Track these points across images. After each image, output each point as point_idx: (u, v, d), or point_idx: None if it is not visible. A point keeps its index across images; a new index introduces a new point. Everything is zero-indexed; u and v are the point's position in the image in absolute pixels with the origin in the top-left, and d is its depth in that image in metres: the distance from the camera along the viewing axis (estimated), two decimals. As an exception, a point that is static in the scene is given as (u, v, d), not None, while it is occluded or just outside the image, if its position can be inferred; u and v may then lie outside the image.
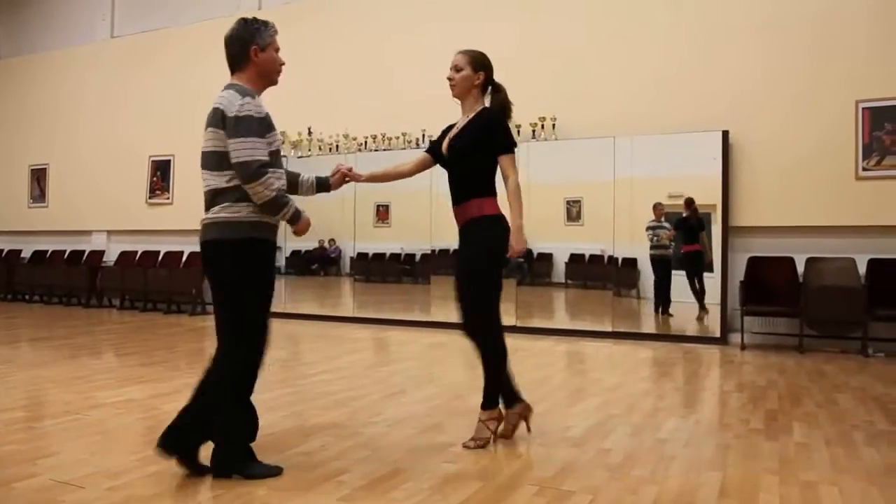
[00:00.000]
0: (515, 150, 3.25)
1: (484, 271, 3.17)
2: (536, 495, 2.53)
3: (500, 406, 3.24)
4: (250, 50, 2.77)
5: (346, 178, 3.23)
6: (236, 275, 2.72)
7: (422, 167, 3.44)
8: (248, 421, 2.75)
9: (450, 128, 3.38)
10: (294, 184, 3.12)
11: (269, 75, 2.85)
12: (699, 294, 7.10)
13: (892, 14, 6.45)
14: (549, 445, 3.18)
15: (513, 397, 3.28)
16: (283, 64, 2.90)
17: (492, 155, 3.20)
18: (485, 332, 3.16)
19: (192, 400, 2.72)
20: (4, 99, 12.28)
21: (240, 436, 2.71)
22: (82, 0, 11.50)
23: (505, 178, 3.20)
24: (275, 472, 2.72)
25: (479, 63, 3.27)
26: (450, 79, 3.29)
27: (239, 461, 2.68)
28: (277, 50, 2.86)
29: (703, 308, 7.09)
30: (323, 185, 3.19)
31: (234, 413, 2.69)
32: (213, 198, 2.74)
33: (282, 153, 2.91)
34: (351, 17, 9.08)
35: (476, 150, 3.19)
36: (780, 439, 3.32)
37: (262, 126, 2.69)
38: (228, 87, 2.77)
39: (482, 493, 2.56)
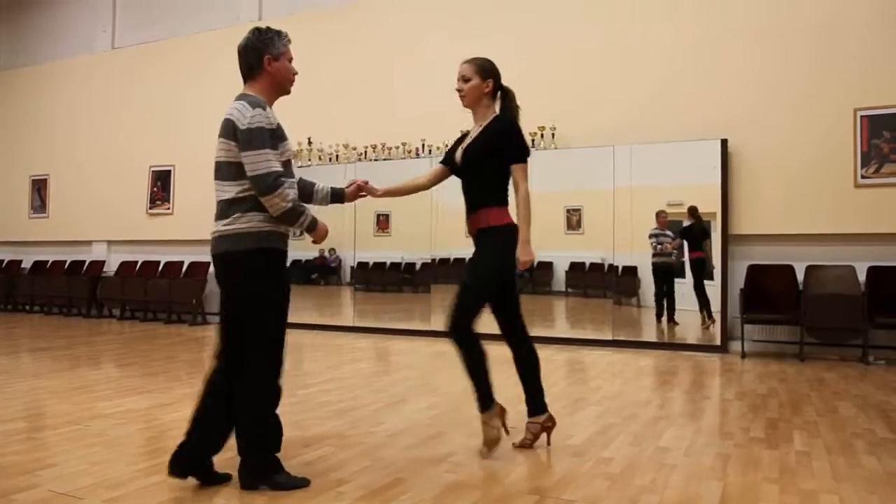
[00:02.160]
0: (528, 159, 3.24)
1: (486, 281, 3.14)
2: (537, 505, 2.53)
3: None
4: (264, 59, 2.77)
5: (362, 192, 3.22)
6: (249, 286, 2.72)
7: (438, 179, 3.43)
8: (274, 432, 2.74)
9: (463, 137, 3.38)
10: (309, 193, 3.12)
11: (281, 85, 2.85)
12: (703, 302, 7.06)
13: (890, 23, 6.48)
14: (550, 454, 3.18)
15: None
16: (297, 73, 2.90)
17: (505, 163, 3.19)
18: (466, 335, 3.10)
19: (200, 415, 2.72)
20: (5, 109, 12.32)
21: (265, 447, 2.71)
22: (83, 11, 11.57)
23: (516, 187, 3.20)
24: (302, 483, 2.71)
25: (487, 71, 3.27)
26: (459, 90, 3.28)
27: (267, 473, 2.68)
28: (291, 60, 2.87)
29: (708, 317, 7.01)
30: (338, 196, 3.17)
31: (260, 426, 2.69)
32: (226, 208, 2.73)
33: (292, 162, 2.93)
34: (350, 27, 9.13)
35: (489, 159, 3.18)
36: (781, 448, 3.32)
37: (273, 137, 2.69)
38: (240, 97, 2.76)
39: (482, 502, 2.56)
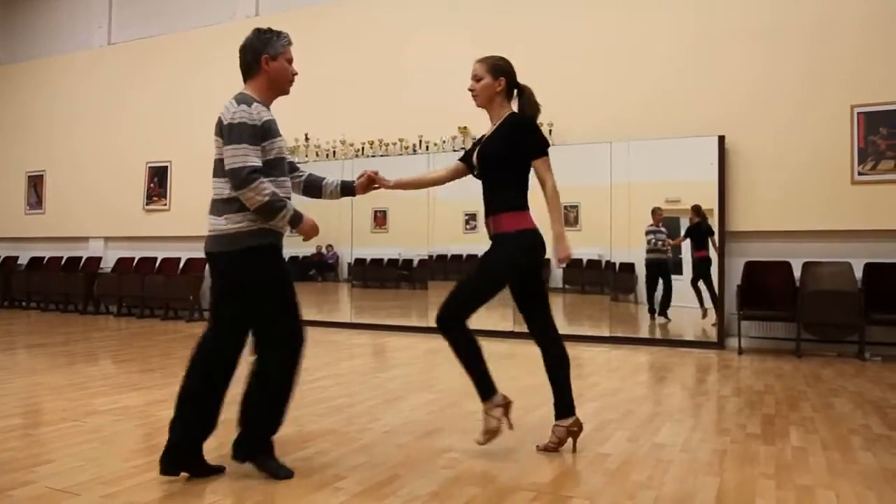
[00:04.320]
0: (549, 150, 3.16)
1: (496, 280, 3.11)
2: (534, 500, 2.53)
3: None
4: (261, 59, 2.81)
5: (374, 184, 3.19)
6: (240, 285, 2.76)
7: (456, 175, 3.36)
8: (274, 417, 2.80)
9: (483, 137, 3.30)
10: (318, 187, 3.14)
11: (279, 84, 2.88)
12: (709, 295, 6.96)
13: (886, 20, 6.49)
14: (547, 450, 3.17)
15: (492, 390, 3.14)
16: (296, 74, 2.92)
17: (524, 160, 3.12)
18: (458, 326, 3.07)
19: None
20: (2, 106, 12.28)
21: (264, 430, 2.79)
22: (79, 7, 11.53)
23: (543, 183, 3.14)
24: (283, 474, 2.74)
25: (499, 69, 3.20)
26: (471, 90, 3.21)
27: (259, 452, 2.76)
28: (290, 60, 2.89)
29: (703, 306, 7.02)
30: (348, 190, 3.17)
31: (262, 409, 2.78)
32: (218, 207, 2.77)
33: (287, 158, 2.95)
34: (347, 24, 9.11)
35: (507, 157, 3.10)
36: (777, 444, 3.32)
37: (255, 133, 2.71)
38: (235, 96, 2.80)
39: (480, 498, 2.56)
